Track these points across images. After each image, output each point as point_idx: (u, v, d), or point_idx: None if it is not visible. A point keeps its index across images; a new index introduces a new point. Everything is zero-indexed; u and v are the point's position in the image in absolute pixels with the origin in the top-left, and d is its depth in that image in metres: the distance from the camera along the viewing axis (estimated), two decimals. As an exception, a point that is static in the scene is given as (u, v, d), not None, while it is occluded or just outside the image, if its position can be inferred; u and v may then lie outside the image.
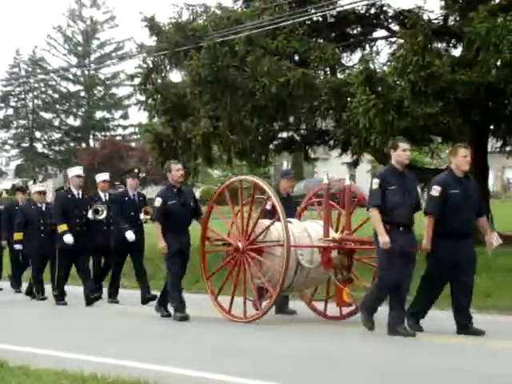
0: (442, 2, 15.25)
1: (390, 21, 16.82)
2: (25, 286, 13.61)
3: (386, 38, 16.88)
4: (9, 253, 14.68)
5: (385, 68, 14.26)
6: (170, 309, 9.71)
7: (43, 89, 57.35)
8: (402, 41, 14.01)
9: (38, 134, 57.48)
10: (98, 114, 57.32)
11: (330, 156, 34.16)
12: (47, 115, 57.44)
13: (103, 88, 57.41)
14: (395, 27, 16.54)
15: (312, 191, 10.46)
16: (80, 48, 56.35)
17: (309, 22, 15.85)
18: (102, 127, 57.07)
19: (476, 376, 6.06)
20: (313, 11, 15.79)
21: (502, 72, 12.58)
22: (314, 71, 15.04)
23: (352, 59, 16.80)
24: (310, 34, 15.69)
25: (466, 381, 5.96)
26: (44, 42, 57.97)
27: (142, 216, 11.59)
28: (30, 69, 56.07)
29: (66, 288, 12.01)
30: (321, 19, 16.30)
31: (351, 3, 16.04)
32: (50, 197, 15.96)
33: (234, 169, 35.29)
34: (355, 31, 17.06)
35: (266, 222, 9.18)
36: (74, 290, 12.45)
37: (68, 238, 11.39)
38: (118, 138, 55.05)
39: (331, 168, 35.44)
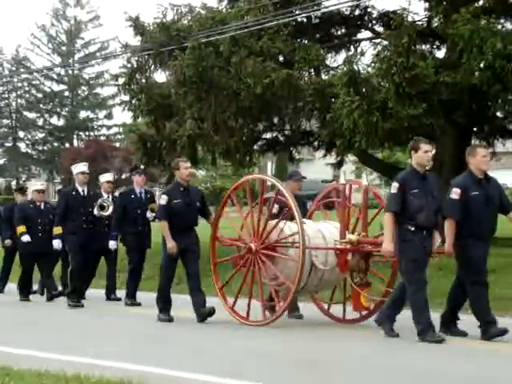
0: (426, 4, 15.34)
1: (374, 22, 16.89)
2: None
3: (370, 39, 16.94)
4: (4, 253, 14.28)
5: (369, 69, 14.30)
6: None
7: (27, 88, 57.07)
8: (386, 42, 14.08)
9: (21, 134, 57.19)
10: (82, 114, 57.11)
11: (314, 157, 34.15)
12: (31, 115, 57.16)
13: (87, 88, 57.19)
14: (380, 28, 16.61)
15: (324, 190, 10.14)
16: (64, 47, 56.11)
17: (293, 23, 15.87)
18: (86, 127, 56.84)
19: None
20: (297, 12, 15.81)
21: (485, 74, 12.66)
22: (298, 72, 15.06)
23: (337, 60, 16.88)
24: (295, 34, 15.72)
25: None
26: (28, 42, 57.61)
27: (148, 214, 11.35)
28: (13, 68, 55.74)
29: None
30: (305, 20, 16.34)
31: (336, 4, 16.12)
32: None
33: (218, 169, 35.29)
34: (340, 32, 17.11)
35: (280, 222, 8.90)
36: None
37: (56, 244, 11.21)
38: (102, 138, 54.83)
39: (315, 169, 35.56)
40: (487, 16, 12.74)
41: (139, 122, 20.73)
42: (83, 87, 57.14)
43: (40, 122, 57.09)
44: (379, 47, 14.37)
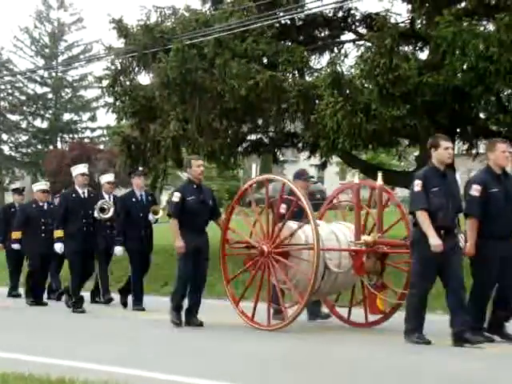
0: (409, 6, 15.40)
1: (357, 24, 16.94)
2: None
3: (353, 41, 16.99)
4: (5, 256, 14.06)
5: (352, 71, 14.35)
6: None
7: (10, 91, 56.71)
8: (369, 44, 14.12)
9: (4, 137, 56.79)
10: (66, 117, 56.80)
11: (298, 158, 34.24)
12: (14, 117, 56.76)
13: (71, 90, 56.90)
14: (363, 30, 16.65)
15: (336, 190, 9.90)
16: (47, 50, 55.82)
17: (277, 25, 15.89)
18: (70, 129, 56.54)
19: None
20: (281, 14, 15.85)
21: (467, 75, 12.73)
22: (282, 74, 15.08)
23: (320, 62, 16.91)
24: (279, 36, 15.75)
25: None
26: (10, 44, 57.25)
27: (150, 217, 11.08)
28: (-4, 71, 55.44)
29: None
30: (289, 22, 16.38)
31: (319, 6, 16.15)
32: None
33: (203, 171, 35.21)
34: (323, 34, 17.15)
35: (293, 224, 8.70)
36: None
37: (58, 247, 10.91)
38: (86, 140, 54.59)
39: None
40: (469, 18, 12.83)
41: (123, 124, 20.68)
42: (67, 89, 56.85)
43: (23, 125, 56.74)
44: (362, 49, 14.42)
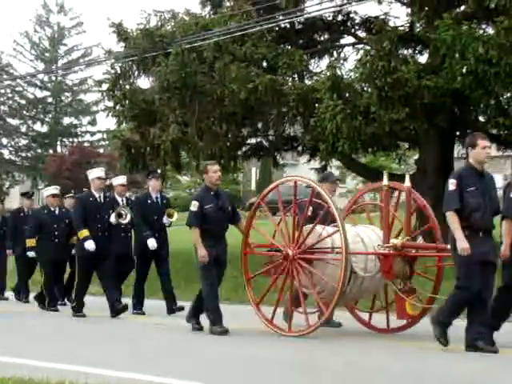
0: (409, 9, 15.43)
1: (356, 28, 16.98)
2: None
3: (353, 44, 17.03)
4: (15, 262, 13.87)
5: (352, 74, 14.37)
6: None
7: (10, 95, 56.75)
8: (368, 47, 14.15)
9: (4, 141, 56.83)
10: (66, 120, 56.84)
11: (298, 162, 34.30)
12: (14, 121, 56.84)
13: (71, 94, 56.95)
14: (362, 34, 16.69)
15: (361, 191, 9.66)
16: (47, 54, 55.87)
17: (277, 29, 15.94)
18: (70, 133, 56.59)
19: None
20: (281, 18, 15.88)
21: (467, 79, 12.74)
22: (282, 77, 15.11)
23: (320, 65, 16.95)
24: (278, 40, 15.79)
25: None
26: (10, 48, 57.53)
27: (165, 220, 10.87)
28: (-4, 75, 55.48)
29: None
30: (289, 26, 16.41)
31: (319, 10, 16.18)
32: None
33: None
34: (323, 38, 17.19)
35: (319, 228, 8.41)
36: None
37: (89, 245, 10.43)
38: (86, 144, 54.63)
39: (300, 174, 35.55)
40: (469, 21, 12.84)
41: (123, 127, 20.71)
42: (67, 93, 56.91)
43: (23, 129, 56.79)
44: (362, 52, 14.45)
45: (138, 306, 10.97)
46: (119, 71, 17.00)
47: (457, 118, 14.38)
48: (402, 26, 15.60)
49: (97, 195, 10.75)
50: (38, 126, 56.87)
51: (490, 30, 13.48)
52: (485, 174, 7.43)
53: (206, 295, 8.70)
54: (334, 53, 17.01)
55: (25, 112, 56.43)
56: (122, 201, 11.42)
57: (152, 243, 10.66)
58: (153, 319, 10.46)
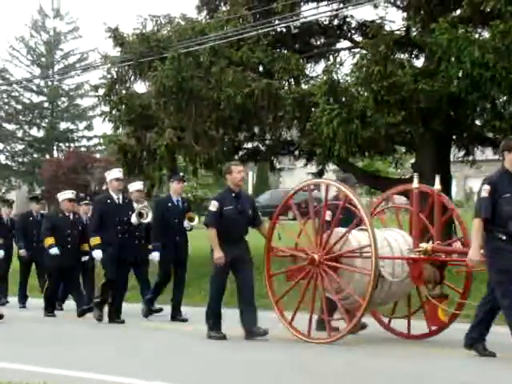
0: (404, 14, 15.46)
1: (353, 32, 17.00)
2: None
3: (349, 48, 17.03)
4: (19, 266, 13.79)
5: (348, 78, 14.38)
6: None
7: (6, 100, 56.70)
8: (364, 51, 14.16)
9: (0, 146, 56.81)
10: (62, 125, 56.79)
11: (295, 166, 34.28)
12: (10, 126, 56.80)
13: (67, 99, 56.91)
14: (358, 38, 16.69)
15: (384, 195, 9.29)
16: (43, 59, 55.85)
17: (273, 33, 15.95)
18: (66, 138, 56.53)
19: None
20: (277, 22, 15.89)
21: (463, 82, 12.76)
22: (278, 82, 15.11)
23: (316, 70, 16.95)
24: (274, 44, 15.80)
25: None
26: (6, 53, 57.24)
27: (185, 223, 10.67)
28: (-8, 80, 55.42)
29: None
30: (285, 30, 16.42)
31: (315, 14, 16.20)
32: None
33: (199, 179, 35.25)
34: (319, 42, 17.20)
35: (342, 230, 8.28)
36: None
37: (97, 254, 10.29)
38: (82, 149, 54.58)
39: (297, 178, 35.63)
40: (465, 25, 12.86)
41: (119, 132, 20.70)
42: (63, 98, 56.88)
43: (20, 134, 56.73)
44: (358, 56, 14.47)
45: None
46: (115, 76, 16.98)
47: (453, 121, 14.39)
48: (398, 30, 15.62)
49: (115, 197, 10.46)
50: (34, 131, 56.83)
51: (486, 34, 13.50)
52: None
53: (210, 298, 8.64)
54: (331, 57, 17.00)
55: (21, 117, 56.39)
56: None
57: (155, 256, 10.60)
58: (152, 324, 10.45)
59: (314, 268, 8.27)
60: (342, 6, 15.81)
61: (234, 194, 8.66)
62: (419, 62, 15.57)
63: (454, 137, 15.77)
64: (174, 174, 12.67)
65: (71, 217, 11.84)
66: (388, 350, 7.84)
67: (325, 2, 16.18)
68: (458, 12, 14.24)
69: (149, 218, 10.49)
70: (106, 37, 16.79)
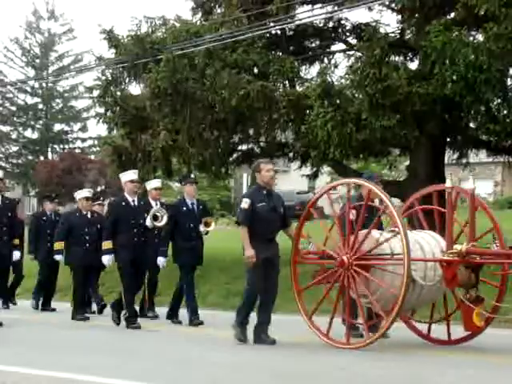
0: (399, 16, 15.50)
1: (347, 34, 17.03)
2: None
3: (344, 51, 17.07)
4: (39, 267, 13.27)
5: (343, 81, 14.41)
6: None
7: (0, 101, 56.68)
8: (359, 54, 14.20)
9: (-6, 147, 56.77)
10: (57, 127, 56.78)
11: (289, 168, 34.25)
12: (4, 128, 56.74)
13: (61, 100, 56.89)
14: (353, 41, 16.74)
15: (413, 196, 9.01)
16: (38, 60, 55.81)
17: (268, 35, 15.95)
18: (61, 140, 56.52)
19: None
20: (271, 24, 15.89)
21: (457, 85, 12.78)
22: (273, 84, 15.13)
23: (311, 72, 16.97)
24: (269, 47, 15.80)
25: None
26: (1, 55, 57.30)
27: (201, 228, 10.33)
28: (-14, 81, 55.35)
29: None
30: (279, 32, 16.43)
31: (310, 17, 16.21)
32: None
33: (194, 181, 35.25)
34: (314, 44, 17.22)
35: (376, 232, 8.11)
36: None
37: (106, 259, 10.12)
38: (76, 150, 54.56)
39: (291, 180, 35.66)
40: (459, 28, 12.89)
41: (114, 134, 20.69)
42: (57, 100, 56.85)
43: (14, 135, 56.69)
44: (352, 59, 14.50)
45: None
46: (110, 77, 16.97)
47: (447, 124, 14.43)
48: (392, 32, 15.66)
49: (130, 199, 10.24)
50: (28, 133, 56.81)
51: (480, 37, 13.54)
52: None
53: (245, 297, 8.41)
54: (325, 59, 17.05)
55: (15, 118, 56.35)
56: (156, 205, 10.95)
57: (162, 262, 10.44)
58: (152, 324, 10.45)
59: (343, 270, 8.06)
60: (336, 8, 15.83)
61: (265, 192, 8.46)
62: (414, 65, 15.63)
63: (448, 139, 15.80)
64: (184, 176, 12.46)
65: (89, 215, 11.74)
66: (385, 354, 7.82)
67: (319, 5, 16.20)
68: (452, 15, 14.28)
69: (164, 221, 10.18)
70: (100, 38, 16.78)
